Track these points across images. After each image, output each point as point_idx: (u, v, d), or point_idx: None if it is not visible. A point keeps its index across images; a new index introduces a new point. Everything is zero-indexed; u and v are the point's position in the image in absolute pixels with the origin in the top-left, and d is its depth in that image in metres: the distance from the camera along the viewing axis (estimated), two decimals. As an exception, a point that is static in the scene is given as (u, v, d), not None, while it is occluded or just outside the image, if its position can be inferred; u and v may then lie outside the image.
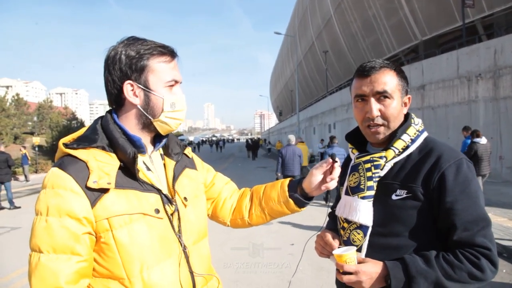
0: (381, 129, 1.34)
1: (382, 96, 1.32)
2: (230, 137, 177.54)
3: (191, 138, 78.40)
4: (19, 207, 10.51)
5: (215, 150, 51.77)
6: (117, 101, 1.21)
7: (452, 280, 1.15)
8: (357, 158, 1.42)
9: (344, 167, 1.54)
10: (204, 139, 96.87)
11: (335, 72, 33.18)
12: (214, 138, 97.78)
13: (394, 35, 21.72)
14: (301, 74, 43.35)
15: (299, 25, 43.44)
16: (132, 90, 1.17)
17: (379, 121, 1.33)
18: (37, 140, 25.08)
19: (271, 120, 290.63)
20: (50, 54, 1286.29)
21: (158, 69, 1.18)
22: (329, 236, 1.45)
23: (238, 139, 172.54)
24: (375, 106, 1.32)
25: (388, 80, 1.32)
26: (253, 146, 32.72)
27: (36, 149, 25.09)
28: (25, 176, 19.10)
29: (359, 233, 1.34)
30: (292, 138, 9.28)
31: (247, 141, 39.79)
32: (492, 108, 11.39)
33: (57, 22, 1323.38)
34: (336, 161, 1.37)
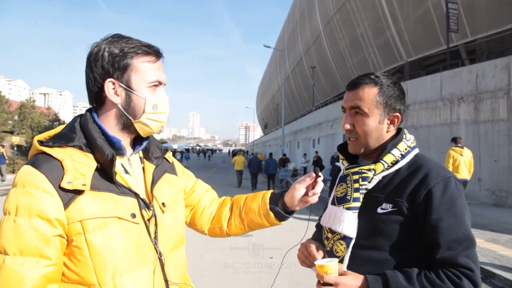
0: (355, 142, 1.37)
1: (355, 111, 1.35)
2: (215, 147, 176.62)
3: (175, 146, 77.70)
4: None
5: (203, 158, 56.59)
6: (97, 100, 1.17)
7: None
8: (346, 169, 1.41)
9: (334, 177, 1.53)
10: (188, 147, 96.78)
11: (322, 87, 33.50)
12: (197, 148, 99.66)
13: (381, 55, 22.09)
14: (288, 88, 43.64)
15: (289, 39, 43.84)
16: (114, 88, 1.14)
17: (353, 134, 1.37)
18: (16, 139, 24.59)
19: (256, 132, 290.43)
20: (36, 54, 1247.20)
21: (142, 69, 1.15)
22: (313, 246, 1.43)
23: (221, 150, 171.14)
24: (347, 120, 1.37)
25: (365, 96, 1.32)
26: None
27: (15, 148, 24.56)
28: (1, 176, 18.57)
29: (342, 244, 1.32)
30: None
31: (229, 151, 45.38)
32: (473, 130, 11.63)
33: (46, 23, 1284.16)
34: (320, 176, 1.36)
